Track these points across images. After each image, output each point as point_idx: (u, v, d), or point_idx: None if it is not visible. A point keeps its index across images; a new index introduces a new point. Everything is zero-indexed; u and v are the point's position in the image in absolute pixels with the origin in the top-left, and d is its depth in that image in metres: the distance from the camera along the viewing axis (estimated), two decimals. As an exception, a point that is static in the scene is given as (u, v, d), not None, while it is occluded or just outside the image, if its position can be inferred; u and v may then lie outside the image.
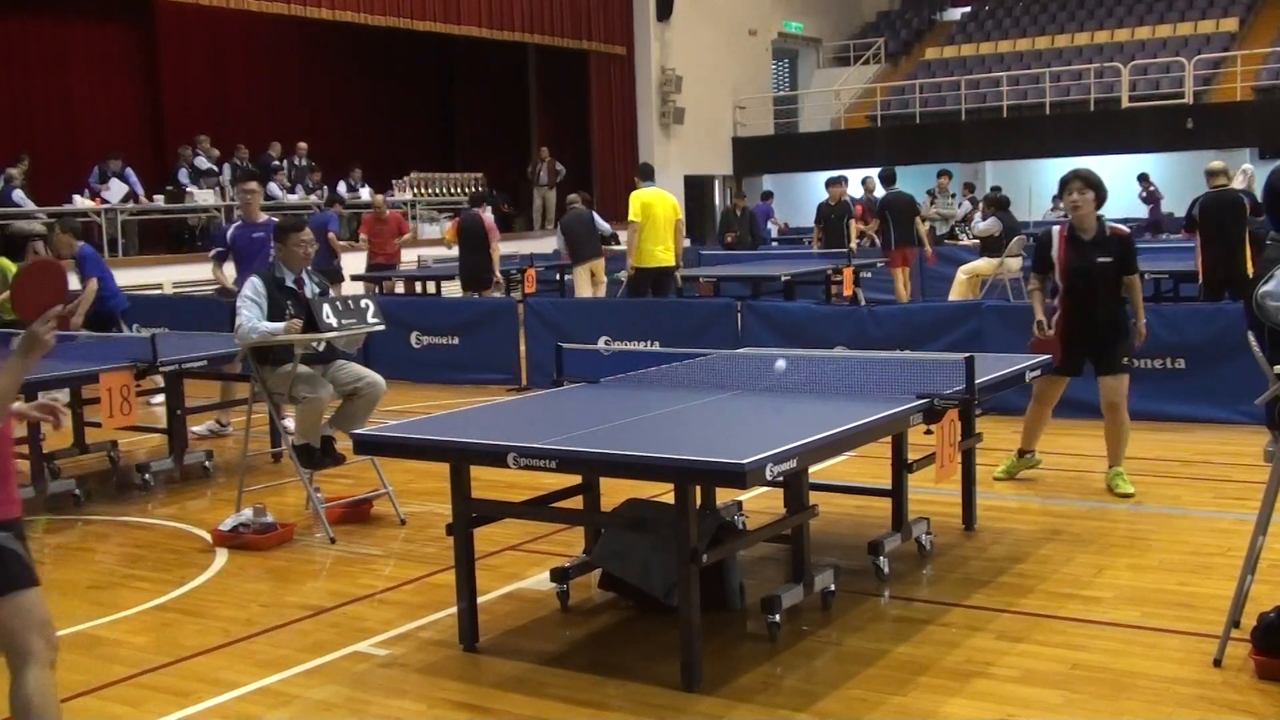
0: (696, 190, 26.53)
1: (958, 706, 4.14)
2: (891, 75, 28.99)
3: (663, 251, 12.33)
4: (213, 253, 9.66)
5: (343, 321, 6.59)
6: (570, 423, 4.96)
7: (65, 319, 3.47)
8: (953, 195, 19.84)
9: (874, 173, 17.18)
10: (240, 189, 9.54)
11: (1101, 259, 6.68)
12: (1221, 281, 10.33)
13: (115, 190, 17.18)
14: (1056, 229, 6.88)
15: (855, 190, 17.18)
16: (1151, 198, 21.61)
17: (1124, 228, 6.92)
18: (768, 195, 22.52)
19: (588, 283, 14.68)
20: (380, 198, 17.03)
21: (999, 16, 29.74)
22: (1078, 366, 6.89)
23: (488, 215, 14.38)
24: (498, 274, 14.19)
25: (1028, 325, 9.05)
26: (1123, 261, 6.71)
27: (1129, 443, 6.90)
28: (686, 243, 14.02)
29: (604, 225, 15.74)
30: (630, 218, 12.30)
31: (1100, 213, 6.77)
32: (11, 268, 11.08)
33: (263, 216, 9.36)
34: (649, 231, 12.24)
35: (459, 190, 21.82)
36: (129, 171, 17.63)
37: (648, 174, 12.89)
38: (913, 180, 25.71)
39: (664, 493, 5.36)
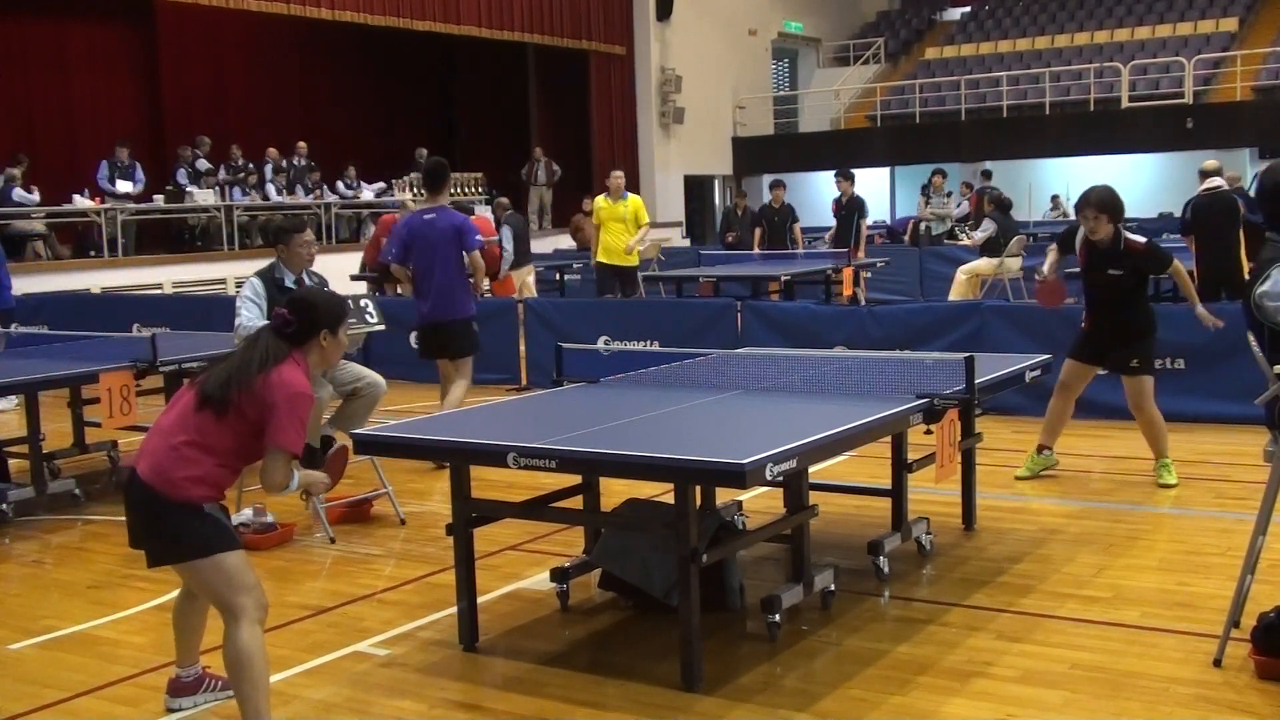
0: (696, 190, 26.53)
1: (958, 706, 4.14)
2: (891, 75, 29.00)
3: None
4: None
5: (343, 321, 6.57)
6: (570, 423, 4.96)
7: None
8: (948, 194, 19.77)
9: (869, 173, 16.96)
10: None
11: (1113, 271, 6.80)
12: (1217, 283, 10.32)
13: (122, 188, 17.16)
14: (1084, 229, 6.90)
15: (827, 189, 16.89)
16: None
17: (1139, 240, 6.86)
18: None
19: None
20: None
21: (999, 16, 29.74)
22: (1097, 356, 7.01)
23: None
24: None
25: (1028, 326, 9.12)
26: (1135, 274, 6.82)
27: (1165, 438, 7.01)
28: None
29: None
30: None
31: (1122, 225, 6.82)
32: None
33: None
34: None
35: (459, 190, 21.77)
36: (137, 167, 17.56)
37: None
38: (912, 180, 25.79)
39: (664, 493, 5.36)
